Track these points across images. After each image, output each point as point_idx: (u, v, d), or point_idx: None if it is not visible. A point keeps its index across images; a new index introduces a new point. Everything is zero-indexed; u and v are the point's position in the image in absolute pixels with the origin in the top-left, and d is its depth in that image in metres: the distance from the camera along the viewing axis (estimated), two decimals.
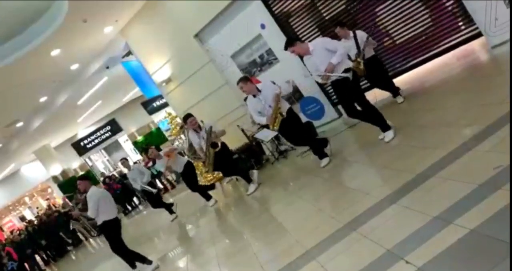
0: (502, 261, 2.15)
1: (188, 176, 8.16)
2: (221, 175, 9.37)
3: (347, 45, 6.26)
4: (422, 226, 2.90)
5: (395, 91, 6.76)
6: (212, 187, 8.46)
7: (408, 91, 7.01)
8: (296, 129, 6.06)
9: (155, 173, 9.34)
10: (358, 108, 5.42)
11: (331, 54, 5.14)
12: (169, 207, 9.10)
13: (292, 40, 5.37)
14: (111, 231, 6.16)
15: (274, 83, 6.09)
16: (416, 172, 3.77)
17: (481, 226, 2.51)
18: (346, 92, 5.29)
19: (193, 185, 8.19)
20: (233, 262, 4.66)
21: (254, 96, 6.00)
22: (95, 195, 6.09)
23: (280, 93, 5.85)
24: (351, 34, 6.49)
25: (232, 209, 7.15)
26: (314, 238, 3.74)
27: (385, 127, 5.20)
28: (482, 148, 3.49)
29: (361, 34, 6.50)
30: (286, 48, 5.33)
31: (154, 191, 9.04)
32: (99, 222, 6.16)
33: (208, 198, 8.05)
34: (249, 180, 7.16)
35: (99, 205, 6.03)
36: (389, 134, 5.15)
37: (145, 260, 6.11)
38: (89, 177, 5.79)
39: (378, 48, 7.57)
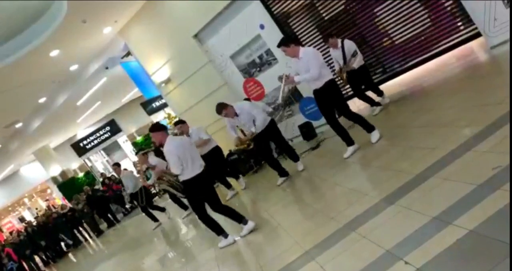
0: (502, 262, 2.14)
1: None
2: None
3: (335, 55, 6.78)
4: (421, 226, 2.89)
5: (373, 102, 6.95)
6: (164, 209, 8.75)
7: (407, 92, 7.02)
8: (272, 140, 6.55)
9: (149, 176, 9.33)
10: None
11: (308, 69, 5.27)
12: (152, 215, 9.36)
13: (288, 41, 5.39)
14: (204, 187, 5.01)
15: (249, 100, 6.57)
16: (415, 172, 3.77)
17: (480, 226, 2.51)
18: (324, 102, 5.43)
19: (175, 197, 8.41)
20: (232, 262, 4.66)
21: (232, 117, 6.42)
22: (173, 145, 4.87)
23: (253, 134, 6.25)
24: (339, 44, 6.62)
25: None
26: (313, 238, 3.74)
27: (369, 129, 5.41)
28: (481, 148, 3.49)
29: (349, 45, 6.71)
30: (279, 46, 5.36)
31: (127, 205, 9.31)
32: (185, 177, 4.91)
33: (185, 208, 8.43)
34: (228, 186, 7.70)
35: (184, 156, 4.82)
36: (375, 135, 5.34)
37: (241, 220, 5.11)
38: (163, 125, 4.82)
39: (377, 49, 7.60)
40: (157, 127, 4.89)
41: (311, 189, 5.54)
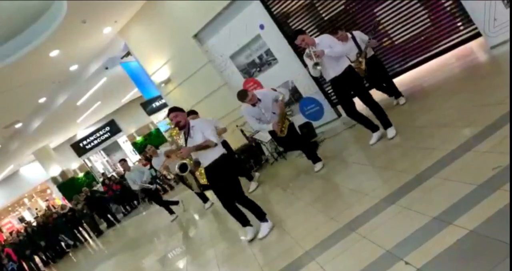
0: (502, 262, 2.14)
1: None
2: None
3: (347, 47, 6.24)
4: (421, 226, 2.90)
5: (396, 92, 6.72)
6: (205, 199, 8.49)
7: (407, 92, 7.01)
8: (293, 135, 6.15)
9: (153, 174, 9.35)
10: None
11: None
12: (169, 206, 9.11)
13: (302, 30, 5.36)
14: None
15: (275, 90, 6.15)
16: (415, 173, 3.78)
17: (480, 226, 2.51)
18: (344, 91, 5.32)
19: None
20: (232, 263, 4.66)
21: (254, 105, 5.91)
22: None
23: (283, 99, 5.91)
24: (349, 35, 6.52)
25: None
26: (314, 238, 3.74)
27: (386, 124, 5.26)
28: (481, 148, 3.49)
29: (359, 34, 6.54)
30: (295, 37, 5.26)
31: (152, 186, 9.03)
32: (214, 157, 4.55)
33: (205, 200, 8.09)
34: (250, 178, 7.28)
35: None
36: (391, 131, 5.21)
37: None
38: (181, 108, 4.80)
39: (378, 49, 7.58)
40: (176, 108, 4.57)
41: (311, 189, 5.53)
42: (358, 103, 5.45)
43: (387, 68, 7.67)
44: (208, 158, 4.46)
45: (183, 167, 4.30)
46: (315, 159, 5.97)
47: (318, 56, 5.08)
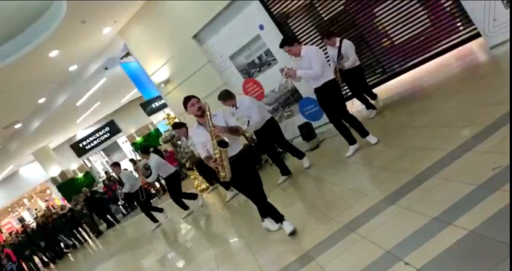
0: (502, 262, 2.14)
1: (171, 183, 8.53)
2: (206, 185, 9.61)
3: (332, 54, 6.75)
4: (421, 227, 2.89)
5: (369, 104, 6.95)
6: (194, 196, 8.65)
7: (406, 92, 7.02)
8: (273, 139, 6.37)
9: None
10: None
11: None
12: (152, 215, 9.35)
13: (292, 40, 5.38)
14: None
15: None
16: (415, 173, 3.77)
17: (480, 227, 2.51)
18: (325, 101, 5.45)
19: (173, 193, 8.52)
20: (232, 263, 4.65)
21: (236, 107, 6.16)
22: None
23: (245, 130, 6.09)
24: (337, 43, 6.62)
25: (231, 211, 7.14)
26: (313, 239, 3.74)
27: (364, 133, 5.42)
28: (481, 149, 3.48)
29: (347, 45, 6.70)
30: (282, 46, 5.35)
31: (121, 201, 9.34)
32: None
33: (185, 208, 8.48)
34: (227, 187, 7.63)
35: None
36: (371, 138, 5.35)
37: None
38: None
39: (377, 49, 7.60)
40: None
41: (311, 189, 5.53)
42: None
43: (385, 69, 7.70)
44: (234, 147, 4.15)
45: (222, 143, 3.88)
46: (300, 155, 6.33)
47: (289, 77, 5.31)
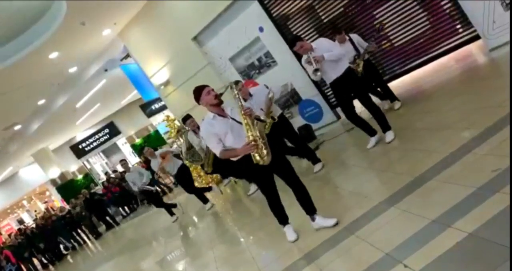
0: (501, 265, 2.14)
1: (183, 178, 8.31)
2: (219, 177, 9.41)
3: (346, 49, 6.36)
4: (420, 229, 2.89)
5: (392, 96, 6.76)
6: (209, 189, 8.48)
7: (406, 94, 7.02)
8: (285, 135, 6.14)
9: (150, 177, 9.38)
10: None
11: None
12: (169, 208, 9.13)
13: (300, 37, 5.36)
14: None
15: (267, 87, 6.10)
16: (415, 175, 3.77)
17: (479, 229, 2.50)
18: (344, 93, 5.31)
19: (188, 187, 8.29)
20: (231, 265, 4.64)
21: (245, 100, 5.76)
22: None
23: (273, 97, 5.83)
24: (347, 38, 6.58)
25: (231, 212, 7.13)
26: (313, 241, 3.73)
27: (385, 127, 5.26)
28: (481, 151, 3.48)
29: (356, 37, 6.64)
30: (294, 44, 5.24)
31: (153, 188, 9.03)
32: None
33: (205, 201, 8.11)
34: (250, 180, 7.10)
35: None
36: (389, 135, 5.21)
37: None
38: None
39: (376, 51, 7.59)
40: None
41: (310, 191, 5.50)
42: (358, 106, 5.44)
43: (385, 71, 7.70)
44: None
45: (260, 120, 3.58)
46: (314, 160, 5.96)
47: (318, 61, 5.07)
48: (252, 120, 3.52)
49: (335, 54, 5.13)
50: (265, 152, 3.50)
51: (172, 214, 9.07)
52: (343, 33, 6.58)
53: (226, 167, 7.31)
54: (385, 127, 5.27)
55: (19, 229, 16.74)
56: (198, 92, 3.84)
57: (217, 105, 3.74)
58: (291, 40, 5.39)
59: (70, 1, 7.57)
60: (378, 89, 6.94)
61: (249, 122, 3.51)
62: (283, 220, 4.06)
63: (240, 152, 3.58)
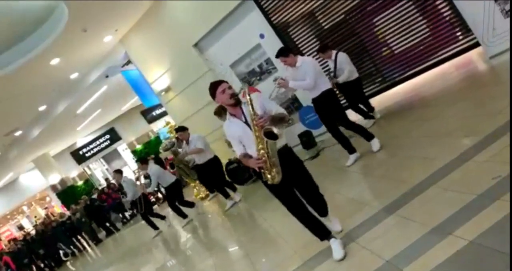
0: None
1: (171, 193, 8.54)
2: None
3: (332, 67, 6.81)
4: (421, 237, 2.89)
5: (366, 114, 6.99)
6: (191, 205, 8.69)
7: (406, 102, 7.03)
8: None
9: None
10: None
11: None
12: (152, 223, 9.29)
13: (287, 51, 5.40)
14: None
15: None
16: (415, 182, 3.77)
17: (480, 237, 2.50)
18: (323, 111, 5.46)
19: (172, 202, 8.55)
20: None
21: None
22: None
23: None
24: (333, 56, 6.67)
25: (229, 219, 7.12)
26: (312, 249, 3.71)
27: (369, 137, 5.42)
28: (481, 158, 3.48)
29: (342, 58, 6.75)
30: (278, 56, 5.37)
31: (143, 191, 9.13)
32: None
33: (184, 216, 8.47)
34: (226, 195, 7.62)
35: None
36: (375, 144, 5.35)
37: None
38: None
39: (376, 58, 7.63)
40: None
41: None
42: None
43: (385, 78, 7.73)
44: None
45: (271, 134, 3.03)
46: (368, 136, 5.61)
47: (281, 86, 5.28)
48: (264, 132, 3.02)
49: (302, 86, 5.28)
50: (274, 171, 3.11)
51: (155, 227, 9.23)
52: (327, 52, 6.78)
53: (210, 180, 7.64)
54: (368, 137, 5.42)
55: (14, 239, 16.70)
56: (213, 89, 3.43)
57: (234, 106, 3.29)
58: (278, 51, 5.42)
59: (71, 8, 7.61)
60: (361, 106, 7.10)
61: (261, 135, 3.03)
62: (323, 234, 3.48)
63: (250, 164, 3.20)
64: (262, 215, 6.02)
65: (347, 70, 6.70)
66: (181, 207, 8.57)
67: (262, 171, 3.14)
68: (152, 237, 9.14)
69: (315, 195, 3.52)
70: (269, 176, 3.14)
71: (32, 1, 7.46)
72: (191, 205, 8.67)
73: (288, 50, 5.45)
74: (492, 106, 4.50)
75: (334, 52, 6.83)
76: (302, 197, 3.46)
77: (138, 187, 8.87)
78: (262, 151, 3.05)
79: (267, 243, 4.66)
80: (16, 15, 7.68)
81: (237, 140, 3.31)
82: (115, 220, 15.81)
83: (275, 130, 3.00)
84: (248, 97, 3.08)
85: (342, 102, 6.91)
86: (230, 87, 3.32)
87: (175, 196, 8.52)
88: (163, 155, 11.53)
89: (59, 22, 8.16)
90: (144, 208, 9.10)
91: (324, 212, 3.63)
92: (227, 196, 7.63)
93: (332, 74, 6.82)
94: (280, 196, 3.39)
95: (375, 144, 5.37)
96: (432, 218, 3.00)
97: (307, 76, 5.19)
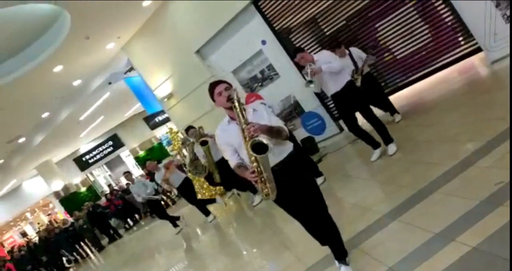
0: None
1: (185, 191, 8.41)
2: (222, 189, 9.41)
3: (345, 63, 6.34)
4: (424, 242, 2.88)
5: (392, 109, 6.79)
6: (213, 201, 8.49)
7: (408, 107, 7.02)
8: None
9: (155, 187, 9.47)
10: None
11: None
12: (173, 220, 9.19)
13: (301, 48, 5.39)
14: None
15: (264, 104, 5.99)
16: (418, 188, 3.76)
17: (483, 243, 2.49)
18: (345, 106, 5.33)
19: (192, 199, 8.41)
20: None
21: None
22: None
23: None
24: (347, 52, 6.62)
25: (234, 225, 7.11)
26: (316, 254, 3.70)
27: (388, 140, 5.27)
28: (483, 164, 3.48)
29: (356, 51, 6.66)
30: (295, 55, 5.29)
31: (158, 197, 9.08)
32: None
33: (207, 213, 8.18)
34: (254, 191, 7.10)
35: None
36: (392, 147, 5.22)
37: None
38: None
39: (378, 64, 7.63)
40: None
41: None
42: (359, 118, 5.45)
43: (387, 83, 7.73)
44: (278, 151, 2.96)
45: (259, 146, 2.59)
46: (316, 174, 5.92)
47: (315, 74, 5.08)
48: (251, 145, 2.62)
49: (334, 67, 5.11)
50: (269, 186, 2.79)
51: (176, 225, 9.10)
52: (342, 47, 6.62)
53: (228, 179, 7.37)
54: (387, 140, 5.28)
55: (10, 251, 16.65)
56: (210, 90, 3.04)
57: (231, 109, 2.85)
58: (293, 50, 5.41)
59: (74, 16, 7.66)
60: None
61: (248, 146, 2.63)
62: (341, 254, 3.20)
63: (246, 177, 2.83)
64: (266, 221, 6.01)
65: (371, 59, 6.59)
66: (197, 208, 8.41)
67: (257, 186, 2.83)
68: (175, 233, 8.96)
69: (323, 220, 3.16)
70: (264, 191, 2.82)
71: (35, 10, 7.51)
72: (211, 201, 8.50)
73: (301, 48, 5.41)
74: (494, 111, 4.50)
75: (345, 50, 6.75)
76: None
77: (162, 180, 8.57)
78: (254, 164, 2.70)
79: (270, 249, 4.64)
80: (19, 23, 7.74)
81: (232, 147, 2.96)
82: (118, 227, 15.79)
83: (264, 140, 2.57)
84: (236, 103, 2.75)
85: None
86: (227, 89, 2.94)
87: (191, 193, 8.41)
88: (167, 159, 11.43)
89: (62, 29, 8.22)
90: (161, 207, 9.05)
91: (337, 251, 3.21)
92: (254, 191, 7.12)
93: (354, 70, 6.64)
94: (284, 208, 3.16)
95: (391, 148, 5.23)
96: (435, 223, 3.00)
97: (332, 61, 5.11)
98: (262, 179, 2.74)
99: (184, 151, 9.17)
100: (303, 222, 3.19)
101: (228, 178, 7.35)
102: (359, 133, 5.46)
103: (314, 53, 7.31)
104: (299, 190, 3.02)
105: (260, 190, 2.83)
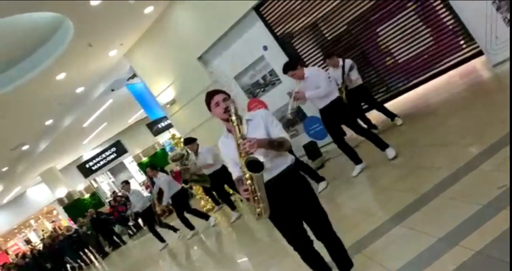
0: None
1: (177, 202, 8.43)
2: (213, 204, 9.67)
3: (335, 75, 6.61)
4: (427, 247, 2.87)
5: (390, 114, 6.81)
6: (206, 216, 8.44)
7: (410, 111, 7.02)
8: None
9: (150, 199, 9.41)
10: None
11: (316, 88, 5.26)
12: (159, 236, 9.23)
13: (294, 65, 5.38)
14: None
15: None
16: (421, 192, 3.75)
17: (486, 247, 2.48)
18: (331, 120, 5.43)
19: (181, 212, 8.39)
20: None
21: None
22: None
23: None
24: (341, 62, 6.64)
25: (234, 232, 7.09)
26: None
27: (383, 146, 5.30)
28: (486, 167, 3.47)
29: (349, 64, 6.69)
30: (286, 72, 5.34)
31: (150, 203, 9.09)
32: None
33: (191, 228, 8.36)
34: (233, 207, 7.60)
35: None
36: (390, 151, 5.24)
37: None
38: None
39: (380, 68, 7.64)
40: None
41: None
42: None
43: (389, 88, 7.73)
44: (276, 164, 2.78)
45: (254, 164, 2.47)
46: (318, 179, 5.93)
47: (298, 99, 5.24)
48: (245, 162, 2.50)
49: (319, 94, 5.22)
50: (261, 206, 2.62)
51: (162, 240, 9.16)
52: (335, 58, 6.68)
53: (213, 187, 7.64)
54: (383, 146, 5.31)
55: (10, 264, 16.66)
56: (207, 100, 2.90)
57: (228, 121, 2.73)
58: (283, 67, 5.41)
59: (77, 23, 7.71)
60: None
61: (243, 163, 2.52)
62: (346, 267, 3.01)
63: (241, 192, 2.66)
64: (266, 227, 5.99)
65: (354, 75, 6.65)
66: (194, 216, 8.43)
67: (250, 204, 2.66)
68: (159, 250, 9.09)
69: (327, 231, 2.97)
70: (257, 210, 2.64)
71: (38, 18, 7.57)
72: (205, 216, 8.40)
73: (296, 63, 5.43)
74: (497, 114, 4.49)
75: (340, 59, 6.80)
76: (315, 236, 3.00)
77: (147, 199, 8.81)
78: (249, 181, 2.54)
79: (272, 257, 4.63)
80: (23, 31, 7.80)
81: (233, 160, 2.80)
82: (122, 233, 15.78)
83: (260, 158, 2.44)
84: (233, 117, 2.62)
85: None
86: (225, 99, 2.78)
87: (182, 205, 8.39)
88: (170, 167, 11.50)
89: (65, 37, 8.28)
90: (153, 219, 9.06)
91: (342, 263, 3.01)
92: (233, 208, 7.60)
93: (341, 79, 6.70)
94: (278, 227, 2.96)
95: (390, 152, 5.22)
96: (438, 228, 2.98)
97: (321, 83, 5.18)
98: (256, 198, 2.59)
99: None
100: (296, 247, 2.98)
101: (216, 190, 7.75)
102: (344, 147, 5.53)
103: (309, 64, 7.40)
104: (293, 209, 2.86)
105: (253, 210, 2.66)
